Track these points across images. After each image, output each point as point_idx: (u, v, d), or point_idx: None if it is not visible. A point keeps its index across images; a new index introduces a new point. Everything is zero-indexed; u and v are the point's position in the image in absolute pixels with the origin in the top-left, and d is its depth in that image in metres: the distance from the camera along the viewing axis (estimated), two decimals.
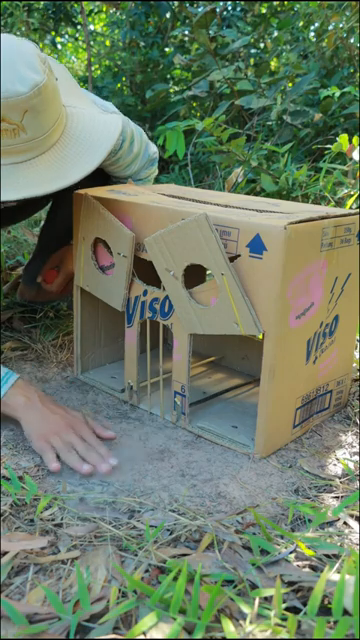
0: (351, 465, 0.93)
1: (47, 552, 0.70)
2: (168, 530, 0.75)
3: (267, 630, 0.57)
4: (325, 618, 0.57)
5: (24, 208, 1.40)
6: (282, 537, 0.74)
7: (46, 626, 0.58)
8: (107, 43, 4.47)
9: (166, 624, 0.57)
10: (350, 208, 1.79)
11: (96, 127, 0.99)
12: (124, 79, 3.84)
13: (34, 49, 0.91)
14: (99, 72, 4.32)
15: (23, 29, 3.96)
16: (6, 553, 0.69)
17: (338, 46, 2.79)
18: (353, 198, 1.80)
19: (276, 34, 3.40)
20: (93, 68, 4.20)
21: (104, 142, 0.96)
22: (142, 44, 3.65)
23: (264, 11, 3.64)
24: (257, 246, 0.85)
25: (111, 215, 1.02)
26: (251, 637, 0.57)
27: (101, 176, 1.27)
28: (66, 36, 4.83)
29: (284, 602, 0.62)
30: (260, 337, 0.89)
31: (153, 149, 1.32)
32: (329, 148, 2.09)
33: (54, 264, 1.39)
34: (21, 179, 0.90)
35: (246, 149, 2.25)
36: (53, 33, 4.19)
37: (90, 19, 4.62)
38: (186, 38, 3.74)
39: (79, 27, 4.29)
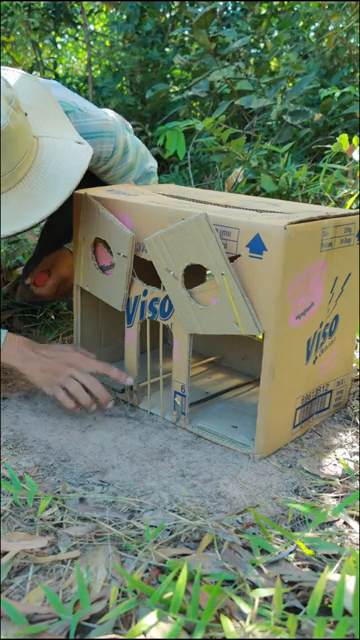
0: (351, 465, 0.93)
1: (47, 552, 0.70)
2: (168, 530, 0.75)
3: (267, 630, 0.57)
4: (325, 618, 0.57)
5: None
6: (282, 537, 0.74)
7: (46, 626, 0.58)
8: (107, 43, 4.47)
9: (166, 624, 0.57)
10: (350, 208, 1.79)
11: (66, 159, 1.00)
12: (124, 79, 3.84)
13: (1, 88, 0.92)
14: (99, 72, 4.32)
15: (23, 29, 3.96)
16: (6, 553, 0.69)
17: (338, 46, 2.79)
18: (353, 198, 1.80)
19: (276, 34, 3.39)
20: (93, 68, 4.20)
21: (71, 176, 0.98)
22: (138, 40, 3.64)
23: (264, 11, 3.64)
24: (257, 246, 0.85)
25: (111, 215, 1.02)
26: (251, 637, 0.57)
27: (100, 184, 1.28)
28: (66, 36, 4.83)
29: (284, 602, 0.62)
30: (260, 337, 0.89)
31: (150, 163, 1.32)
32: (329, 148, 2.09)
33: (46, 267, 1.38)
34: None
35: (246, 149, 2.25)
36: (53, 33, 4.19)
37: (90, 19, 4.62)
38: (186, 38, 3.74)
39: (79, 27, 4.29)
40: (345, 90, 2.25)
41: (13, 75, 1.07)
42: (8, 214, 0.94)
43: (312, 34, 3.23)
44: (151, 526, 0.75)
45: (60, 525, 0.75)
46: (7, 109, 0.91)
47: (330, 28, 2.92)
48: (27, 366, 1.02)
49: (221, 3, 3.51)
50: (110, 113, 1.43)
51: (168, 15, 3.78)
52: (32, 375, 1.02)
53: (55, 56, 5.12)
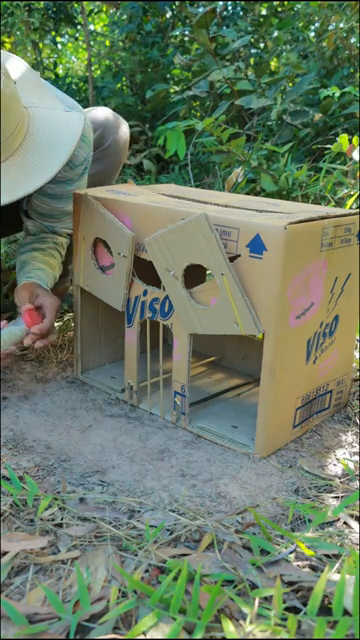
0: (351, 465, 0.93)
1: (47, 552, 0.70)
2: (168, 530, 0.75)
3: (267, 630, 0.57)
4: (325, 618, 0.57)
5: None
6: (282, 537, 0.74)
7: (46, 626, 0.58)
8: (107, 43, 4.47)
9: (166, 624, 0.57)
10: (350, 208, 1.79)
11: (58, 128, 0.99)
12: (124, 79, 3.84)
13: None
14: (99, 72, 4.32)
15: (23, 29, 3.96)
16: (6, 553, 0.69)
17: (338, 46, 2.79)
18: (353, 198, 1.80)
19: (276, 34, 3.39)
20: (93, 68, 4.20)
21: (66, 143, 0.97)
22: (139, 39, 3.64)
23: (264, 12, 3.64)
24: (257, 246, 0.85)
25: (111, 215, 1.02)
26: (251, 637, 0.57)
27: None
28: (66, 36, 4.83)
29: (284, 602, 0.62)
30: (260, 337, 0.90)
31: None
32: (329, 148, 2.09)
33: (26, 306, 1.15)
34: None
35: (246, 149, 2.25)
36: (53, 33, 4.19)
37: (90, 19, 4.62)
38: (186, 38, 3.74)
39: (79, 27, 4.29)
40: (345, 90, 2.25)
41: None
42: (6, 182, 0.93)
43: (312, 34, 3.23)
44: (151, 526, 0.75)
45: (60, 525, 0.75)
46: None
47: (330, 28, 2.92)
48: None
49: (221, 3, 3.51)
50: (104, 111, 1.42)
51: (168, 15, 3.78)
52: None
53: (55, 56, 5.12)
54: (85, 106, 1.41)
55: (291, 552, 0.70)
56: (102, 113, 1.41)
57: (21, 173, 0.94)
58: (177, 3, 3.64)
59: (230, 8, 3.61)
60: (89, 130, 1.17)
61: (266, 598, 0.63)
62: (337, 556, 0.70)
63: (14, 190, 0.93)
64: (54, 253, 1.27)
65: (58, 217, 1.24)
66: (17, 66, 1.06)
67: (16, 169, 0.94)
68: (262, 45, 3.56)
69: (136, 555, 0.70)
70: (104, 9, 4.37)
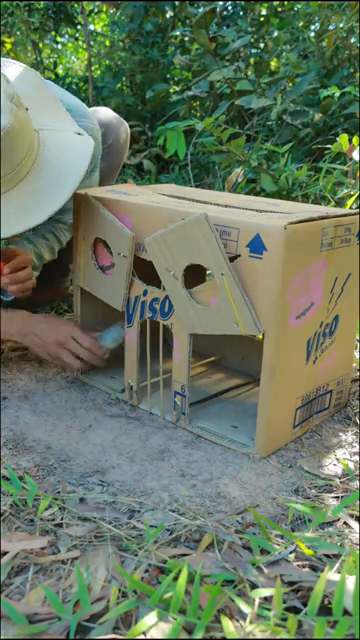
0: (351, 465, 0.93)
1: (47, 552, 0.70)
2: (168, 530, 0.75)
3: (267, 630, 0.57)
4: (325, 618, 0.57)
5: None
6: (282, 537, 0.74)
7: (46, 626, 0.58)
8: (107, 43, 4.47)
9: (166, 624, 0.57)
10: (350, 208, 1.79)
11: (69, 156, 1.00)
12: (124, 79, 3.84)
13: (1, 85, 0.91)
14: (99, 72, 4.32)
15: (23, 29, 3.96)
16: (6, 553, 0.69)
17: (338, 46, 2.79)
18: (353, 198, 1.80)
19: (276, 34, 3.39)
20: (93, 68, 4.20)
21: (75, 172, 0.97)
22: (140, 39, 3.64)
23: (264, 12, 3.64)
24: (257, 246, 0.85)
25: (111, 215, 1.02)
26: (251, 637, 0.57)
27: None
28: (66, 36, 4.83)
29: (284, 602, 0.62)
30: (260, 337, 0.89)
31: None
32: (329, 148, 2.09)
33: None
34: None
35: (246, 149, 2.25)
36: (53, 33, 4.18)
37: (90, 19, 4.62)
38: (186, 38, 3.74)
39: (79, 27, 4.29)
40: (345, 90, 2.25)
41: (7, 65, 1.06)
42: (14, 211, 0.94)
43: (312, 34, 3.23)
44: (151, 526, 0.75)
45: (60, 525, 0.75)
46: (10, 107, 0.90)
47: (330, 28, 2.92)
48: (26, 339, 1.16)
49: (221, 3, 3.51)
50: (106, 111, 1.42)
51: (168, 15, 3.78)
52: (33, 347, 1.17)
53: (55, 56, 5.12)
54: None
55: (291, 552, 0.70)
56: (104, 114, 1.41)
57: (29, 203, 0.95)
58: (177, 3, 3.64)
59: (230, 8, 3.61)
60: (98, 131, 1.19)
61: (266, 598, 0.63)
62: (337, 556, 0.70)
63: (20, 222, 0.94)
64: (45, 234, 1.30)
65: (66, 211, 1.25)
66: (28, 78, 1.06)
67: (25, 198, 0.95)
68: (262, 45, 3.56)
69: (136, 555, 0.70)
70: (104, 9, 4.37)
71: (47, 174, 0.97)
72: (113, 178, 1.49)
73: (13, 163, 0.93)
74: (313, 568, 0.68)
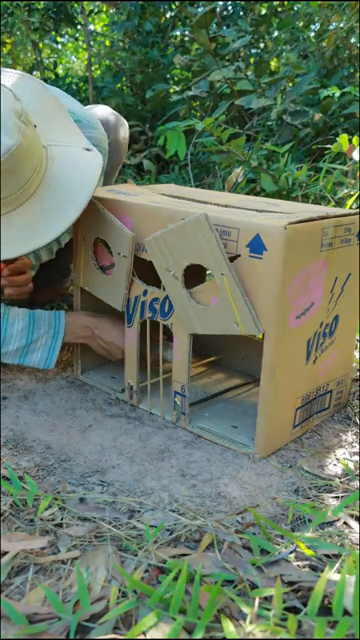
0: (351, 465, 0.93)
1: (47, 552, 0.70)
2: (168, 530, 0.75)
3: (267, 630, 0.57)
4: (325, 618, 0.57)
5: None
6: (282, 537, 0.74)
7: (46, 626, 0.58)
8: (107, 43, 4.47)
9: (166, 624, 0.57)
10: (350, 208, 1.79)
11: (76, 172, 0.98)
12: (124, 79, 3.84)
13: (8, 103, 0.90)
14: (99, 72, 4.32)
15: (23, 29, 3.96)
16: (6, 553, 0.69)
17: (338, 46, 2.79)
18: (353, 198, 1.80)
19: (276, 34, 3.39)
20: (93, 68, 4.20)
21: (84, 190, 0.96)
22: (139, 39, 3.64)
23: (264, 11, 3.64)
24: (257, 246, 0.85)
25: (111, 215, 1.02)
26: (251, 637, 0.57)
27: None
28: (66, 36, 4.83)
29: (284, 602, 0.62)
30: (260, 337, 0.89)
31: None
32: (329, 148, 2.09)
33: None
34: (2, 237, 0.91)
35: (246, 149, 2.25)
36: (53, 33, 4.18)
37: (90, 19, 4.62)
38: (186, 38, 3.74)
39: (79, 27, 4.29)
40: (345, 90, 2.25)
41: (14, 78, 1.05)
42: (21, 231, 0.93)
43: (312, 34, 3.23)
44: (151, 526, 0.75)
45: (60, 525, 0.75)
46: (18, 125, 0.89)
47: (330, 28, 2.92)
48: (92, 341, 1.16)
49: (221, 3, 3.51)
50: (104, 109, 1.42)
51: (168, 15, 3.78)
52: (98, 351, 1.17)
53: (55, 56, 5.12)
54: (85, 105, 1.41)
55: (291, 552, 0.70)
56: (102, 112, 1.41)
57: (37, 222, 0.94)
58: (177, 3, 3.64)
59: (230, 8, 3.61)
60: (105, 140, 1.19)
61: (266, 598, 0.63)
62: (337, 556, 0.70)
63: (26, 243, 0.93)
64: None
65: None
66: (37, 92, 1.04)
67: (32, 217, 0.94)
68: (262, 45, 3.56)
69: (136, 555, 0.70)
70: (104, 9, 4.37)
71: (55, 192, 0.96)
72: (113, 177, 1.49)
73: (20, 182, 0.92)
74: (313, 568, 0.68)
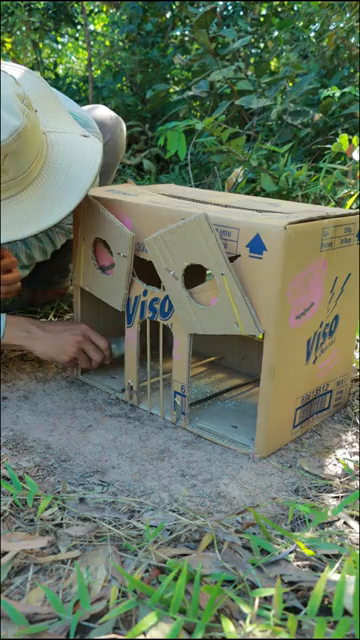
0: (351, 465, 0.93)
1: (47, 552, 0.70)
2: (168, 530, 0.75)
3: (267, 630, 0.57)
4: (325, 618, 0.57)
5: None
6: (282, 537, 0.74)
7: (46, 626, 0.58)
8: (107, 43, 4.47)
9: (166, 624, 0.57)
10: (350, 208, 1.79)
11: (77, 157, 0.99)
12: (124, 79, 3.84)
13: (11, 87, 0.91)
14: (99, 72, 4.32)
15: (23, 29, 3.96)
16: (6, 553, 0.69)
17: (338, 46, 2.79)
18: (353, 198, 1.80)
19: (276, 34, 3.39)
20: (93, 68, 4.20)
21: (85, 174, 0.97)
22: (139, 39, 3.64)
23: (264, 11, 3.64)
24: (257, 246, 0.85)
25: (111, 215, 1.02)
26: (251, 637, 0.57)
27: None
28: (66, 36, 4.83)
29: (284, 602, 0.62)
30: (260, 337, 0.89)
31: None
32: (329, 148, 2.09)
33: None
34: (3, 219, 0.91)
35: (246, 149, 2.25)
36: (53, 33, 4.18)
37: (90, 19, 4.62)
38: (186, 38, 3.74)
39: (79, 27, 4.29)
40: (345, 90, 2.24)
41: (11, 69, 1.06)
42: (25, 214, 0.93)
43: (312, 34, 3.23)
44: (151, 526, 0.75)
45: (60, 525, 0.75)
46: (22, 108, 0.90)
47: (330, 28, 2.92)
48: (35, 343, 1.09)
49: (221, 3, 3.51)
50: (102, 109, 1.42)
51: (168, 15, 3.78)
52: (44, 349, 1.09)
53: (55, 56, 5.12)
54: (84, 106, 1.41)
55: (291, 552, 0.70)
56: (100, 113, 1.41)
57: (41, 205, 0.94)
58: (177, 3, 3.64)
59: (230, 8, 3.61)
60: (101, 140, 1.19)
61: (266, 598, 0.63)
62: (337, 556, 0.70)
63: (30, 225, 0.93)
64: (40, 236, 1.31)
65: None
66: (33, 83, 1.05)
67: (36, 201, 0.94)
68: (262, 45, 3.56)
69: (136, 555, 0.70)
70: (104, 9, 4.37)
71: (57, 176, 0.96)
72: (110, 177, 1.49)
73: (24, 165, 0.92)
74: (313, 568, 0.68)
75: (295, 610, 0.61)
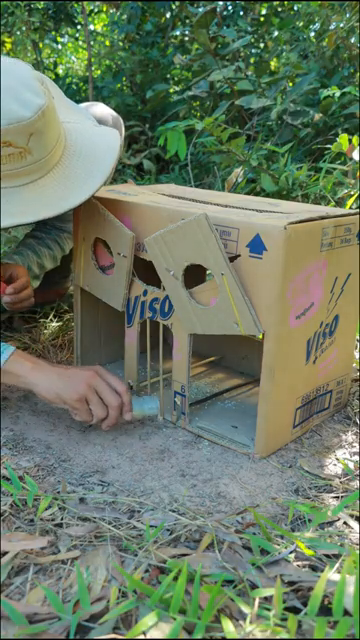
0: (351, 465, 0.93)
1: (47, 552, 0.70)
2: (168, 530, 0.75)
3: (267, 630, 0.57)
4: (325, 618, 0.57)
5: None
6: (282, 537, 0.74)
7: (46, 626, 0.58)
8: (107, 43, 4.47)
9: (166, 624, 0.57)
10: (350, 208, 1.79)
11: (95, 142, 1.00)
12: (124, 79, 3.84)
13: (30, 70, 0.92)
14: (99, 72, 4.32)
15: (23, 29, 3.96)
16: (6, 553, 0.69)
17: (338, 46, 2.79)
18: (353, 198, 1.80)
19: (276, 34, 3.39)
20: (93, 68, 4.20)
21: (107, 157, 0.97)
22: (139, 39, 3.64)
23: (264, 11, 3.64)
24: (257, 246, 0.85)
25: (111, 215, 1.02)
26: (251, 637, 0.57)
27: None
28: (66, 36, 4.83)
29: (284, 602, 0.62)
30: (260, 337, 0.89)
31: None
32: (329, 148, 2.09)
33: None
34: (30, 202, 0.91)
35: (246, 149, 2.25)
36: (53, 33, 4.18)
37: (90, 19, 4.62)
38: (186, 38, 3.74)
39: (79, 27, 4.29)
40: (345, 90, 2.25)
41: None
42: (53, 194, 0.93)
43: (312, 34, 3.23)
44: (151, 526, 0.75)
45: (60, 525, 0.75)
46: (42, 89, 0.90)
47: (330, 28, 2.92)
48: (39, 376, 0.93)
49: (221, 3, 3.51)
50: (101, 107, 1.42)
51: (168, 15, 3.78)
52: (48, 385, 0.93)
53: (55, 56, 5.12)
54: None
55: (291, 552, 0.70)
56: (100, 110, 1.41)
57: (64, 187, 0.94)
58: (177, 3, 3.64)
59: (230, 8, 3.61)
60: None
61: (266, 598, 0.63)
62: (337, 556, 0.70)
63: (57, 204, 0.92)
64: (50, 243, 1.32)
65: (70, 221, 1.26)
66: (47, 82, 1.06)
67: (58, 183, 0.94)
68: (262, 45, 3.56)
69: (136, 555, 0.70)
70: (104, 9, 4.37)
71: (79, 160, 0.96)
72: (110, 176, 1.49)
73: (48, 146, 0.92)
74: (313, 568, 0.68)
75: (295, 610, 0.61)
